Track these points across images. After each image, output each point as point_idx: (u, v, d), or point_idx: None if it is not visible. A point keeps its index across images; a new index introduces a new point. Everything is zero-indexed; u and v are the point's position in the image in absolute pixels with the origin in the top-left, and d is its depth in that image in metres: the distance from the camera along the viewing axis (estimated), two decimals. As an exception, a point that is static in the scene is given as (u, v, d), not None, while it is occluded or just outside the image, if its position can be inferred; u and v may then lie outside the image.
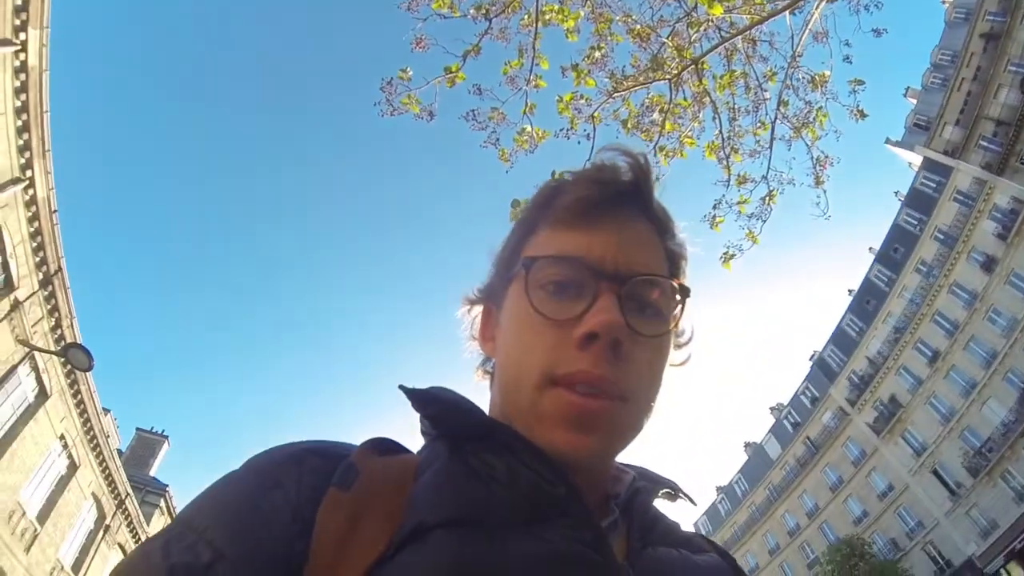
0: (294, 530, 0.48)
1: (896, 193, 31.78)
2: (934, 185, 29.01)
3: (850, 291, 33.82)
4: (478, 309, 0.71)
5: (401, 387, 0.60)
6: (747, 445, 40.20)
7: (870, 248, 33.04)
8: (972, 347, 26.17)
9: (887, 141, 31.46)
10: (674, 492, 0.69)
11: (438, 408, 0.60)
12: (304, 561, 0.47)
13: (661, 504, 0.69)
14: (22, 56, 11.03)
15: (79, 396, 14.42)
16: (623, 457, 0.64)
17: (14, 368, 12.28)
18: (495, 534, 0.50)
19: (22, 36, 10.90)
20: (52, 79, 11.72)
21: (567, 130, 4.56)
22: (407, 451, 0.62)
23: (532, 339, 0.58)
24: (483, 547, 0.49)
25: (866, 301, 32.24)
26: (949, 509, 25.14)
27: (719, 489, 41.84)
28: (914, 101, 31.13)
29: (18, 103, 11.26)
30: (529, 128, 4.54)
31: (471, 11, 4.38)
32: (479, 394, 0.67)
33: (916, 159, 30.17)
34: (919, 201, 29.76)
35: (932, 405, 27.47)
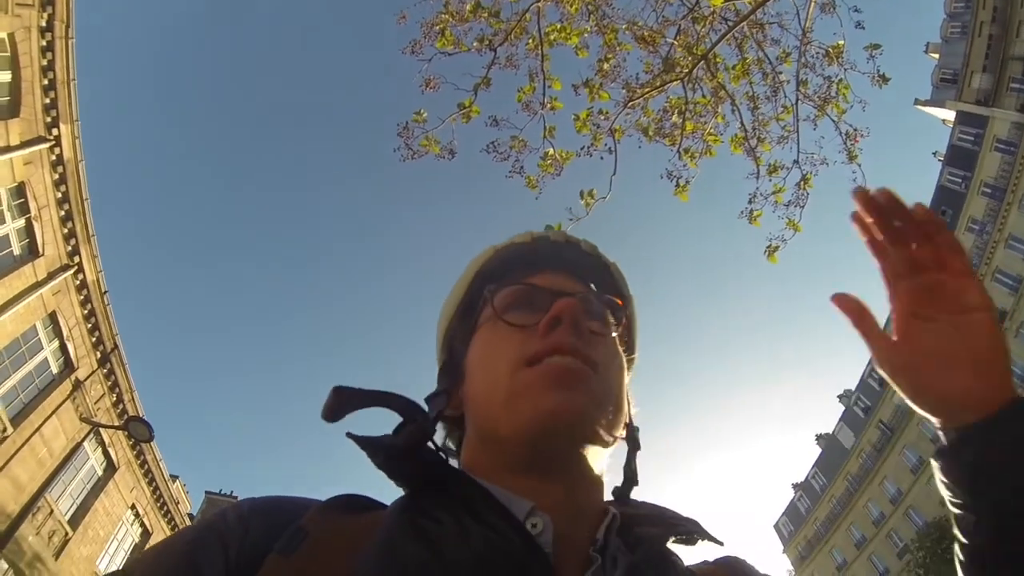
0: None
1: (935, 154, 30.41)
2: (972, 138, 27.66)
3: (903, 262, 32.38)
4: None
5: (349, 435, 0.55)
6: (819, 437, 38.49)
7: (917, 215, 31.62)
8: (1041, 299, 24.63)
9: (916, 102, 30.22)
10: (693, 535, 0.60)
11: (385, 457, 0.55)
12: None
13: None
14: (57, 150, 11.66)
15: (146, 466, 14.92)
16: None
17: (79, 445, 12.79)
18: None
19: (55, 131, 11.54)
20: (88, 167, 12.35)
21: (589, 147, 4.47)
22: (380, 506, 0.58)
23: (502, 346, 0.60)
24: None
25: (921, 270, 30.79)
26: (1044, 478, 23.46)
27: (796, 486, 40.06)
28: (936, 56, 29.93)
29: (59, 194, 11.88)
30: (552, 151, 4.47)
31: (475, 44, 4.36)
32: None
33: (949, 115, 28.86)
34: (960, 157, 28.39)
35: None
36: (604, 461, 0.62)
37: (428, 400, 0.66)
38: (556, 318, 0.58)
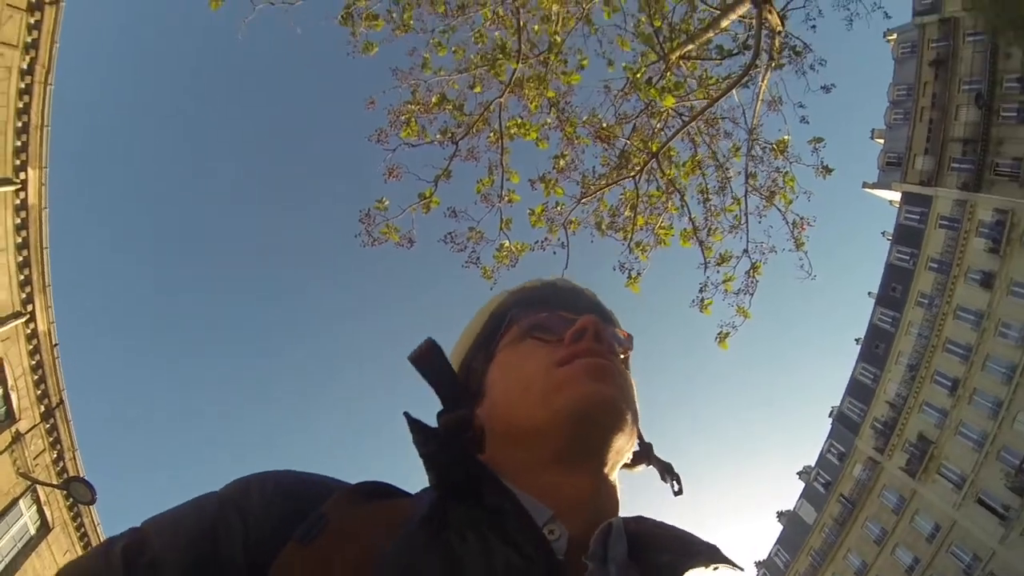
0: (242, 573, 0.47)
1: (883, 233, 31.91)
2: (917, 217, 29.32)
3: (857, 340, 32.97)
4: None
5: (406, 415, 0.57)
6: (780, 514, 37.85)
7: (869, 293, 32.75)
8: (990, 366, 25.54)
9: (864, 185, 32.03)
10: (712, 562, 0.56)
11: (432, 448, 0.54)
12: None
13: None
14: (22, 195, 11.51)
15: (83, 530, 13.98)
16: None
17: (15, 501, 11.99)
18: None
19: (22, 175, 11.42)
20: (52, 216, 12.16)
21: (544, 241, 4.64)
22: (403, 495, 0.59)
23: (532, 356, 0.65)
24: None
25: (875, 346, 31.59)
26: (1003, 535, 23.74)
27: (759, 565, 39.05)
28: (882, 141, 31.98)
29: (19, 239, 11.63)
30: (507, 243, 4.62)
31: (438, 136, 4.57)
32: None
33: (895, 196, 30.64)
34: (907, 236, 29.97)
35: (962, 434, 26.46)
36: (620, 467, 0.65)
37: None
38: (582, 329, 0.64)
